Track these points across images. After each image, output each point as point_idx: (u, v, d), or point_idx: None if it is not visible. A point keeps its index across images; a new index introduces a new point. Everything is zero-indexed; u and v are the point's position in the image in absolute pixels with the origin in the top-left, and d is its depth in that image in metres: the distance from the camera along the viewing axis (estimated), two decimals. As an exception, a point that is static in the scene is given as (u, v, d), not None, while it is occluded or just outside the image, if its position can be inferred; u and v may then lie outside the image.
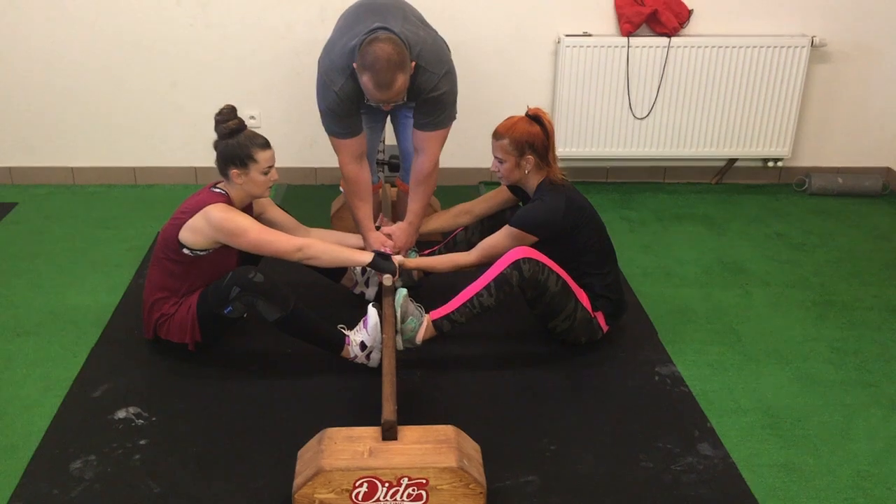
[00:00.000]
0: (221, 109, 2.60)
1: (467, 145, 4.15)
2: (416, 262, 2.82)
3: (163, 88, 3.97)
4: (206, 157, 4.14)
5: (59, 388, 2.55)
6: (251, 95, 4.00)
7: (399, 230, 2.99)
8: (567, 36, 3.88)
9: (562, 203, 2.62)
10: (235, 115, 2.60)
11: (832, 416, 2.50)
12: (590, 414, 2.49)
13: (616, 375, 2.67)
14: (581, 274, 2.71)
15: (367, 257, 2.68)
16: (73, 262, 3.35)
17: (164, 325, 2.65)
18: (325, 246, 2.67)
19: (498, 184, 2.97)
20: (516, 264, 2.55)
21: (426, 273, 3.01)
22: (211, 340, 2.69)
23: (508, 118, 2.69)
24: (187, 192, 4.03)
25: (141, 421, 2.40)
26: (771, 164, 4.25)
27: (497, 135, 2.66)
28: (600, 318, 2.74)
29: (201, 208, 2.54)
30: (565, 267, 2.67)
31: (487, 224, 2.99)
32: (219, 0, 3.81)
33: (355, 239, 2.96)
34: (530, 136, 2.61)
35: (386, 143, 3.69)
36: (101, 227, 3.68)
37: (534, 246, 2.64)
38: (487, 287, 2.58)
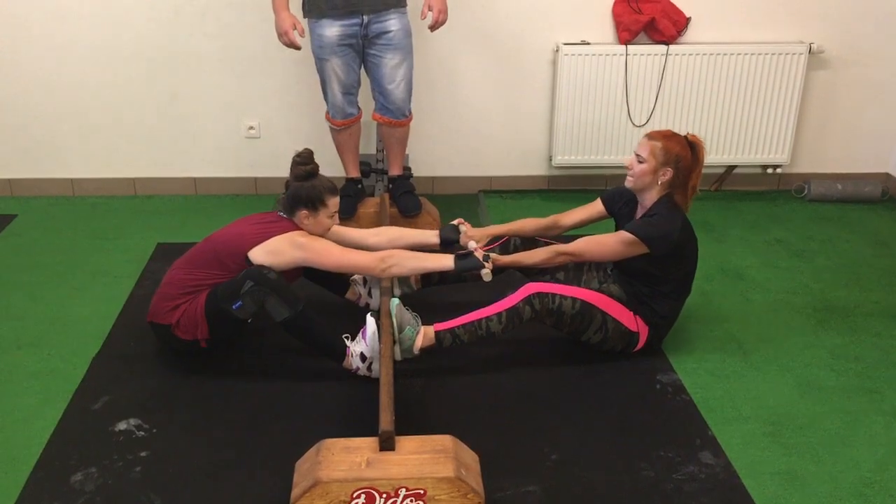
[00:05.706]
0: (301, 152, 2.65)
1: (466, 154, 4.15)
2: (510, 258, 2.80)
3: (162, 99, 3.98)
4: (205, 168, 4.17)
5: (60, 399, 2.55)
6: (250, 106, 4.00)
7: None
8: (565, 44, 3.88)
9: (678, 222, 2.64)
10: (313, 159, 2.65)
11: (833, 423, 2.50)
12: (591, 422, 2.48)
13: (617, 384, 2.67)
14: (654, 293, 2.71)
15: (449, 262, 2.67)
16: (73, 273, 3.35)
17: (178, 324, 2.63)
18: (405, 253, 2.69)
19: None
20: (528, 300, 2.59)
21: (435, 282, 3.01)
22: (217, 341, 2.67)
23: (667, 129, 2.71)
24: (187, 202, 4.05)
25: (141, 433, 2.40)
26: (770, 170, 4.25)
27: (651, 136, 2.67)
28: (643, 334, 2.74)
29: (280, 234, 2.59)
30: (644, 282, 2.69)
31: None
32: (218, 11, 3.82)
33: (423, 236, 2.94)
34: (680, 154, 2.63)
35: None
36: (101, 238, 3.68)
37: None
38: (499, 314, 2.60)
